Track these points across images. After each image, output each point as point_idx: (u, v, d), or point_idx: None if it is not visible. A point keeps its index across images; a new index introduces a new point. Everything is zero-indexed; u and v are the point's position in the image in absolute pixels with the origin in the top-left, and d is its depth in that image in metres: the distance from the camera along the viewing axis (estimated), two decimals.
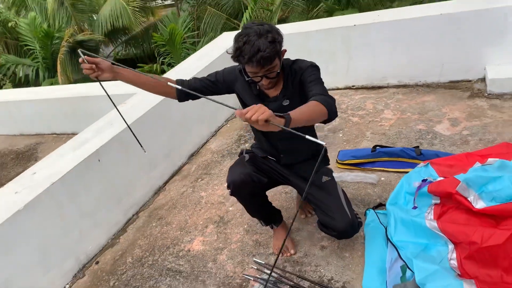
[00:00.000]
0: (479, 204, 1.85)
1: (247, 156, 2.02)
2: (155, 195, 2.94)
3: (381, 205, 2.25)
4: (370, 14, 3.66)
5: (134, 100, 3.12)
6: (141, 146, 1.90)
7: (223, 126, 3.66)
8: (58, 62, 12.41)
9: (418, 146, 2.57)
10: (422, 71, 3.43)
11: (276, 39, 1.66)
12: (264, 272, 2.06)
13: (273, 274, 2.01)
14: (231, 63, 1.80)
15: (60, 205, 2.32)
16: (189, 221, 2.59)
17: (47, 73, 13.57)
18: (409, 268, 1.82)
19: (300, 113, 1.41)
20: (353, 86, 3.70)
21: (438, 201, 2.01)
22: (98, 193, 2.53)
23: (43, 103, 4.96)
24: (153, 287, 2.16)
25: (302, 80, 1.78)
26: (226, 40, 4.11)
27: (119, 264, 2.39)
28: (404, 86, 3.52)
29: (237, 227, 2.43)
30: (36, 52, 13.86)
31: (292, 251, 2.14)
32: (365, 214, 2.23)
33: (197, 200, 2.76)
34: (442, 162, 2.22)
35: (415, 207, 2.07)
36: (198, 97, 1.69)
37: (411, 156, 2.49)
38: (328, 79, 3.53)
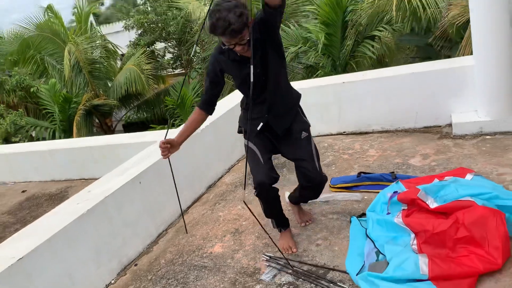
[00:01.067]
0: (433, 205, 2.48)
1: (256, 150, 2.54)
2: (180, 216, 3.54)
3: (363, 215, 2.86)
4: (356, 74, 4.47)
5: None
6: (174, 183, 2.57)
7: (235, 165, 4.33)
8: (75, 124, 13.34)
9: (393, 172, 3.22)
10: (401, 119, 4.16)
11: (244, 13, 2.03)
12: (273, 263, 2.64)
13: (279, 262, 2.59)
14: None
15: (109, 215, 2.94)
16: (210, 233, 3.18)
17: (63, 135, 14.43)
18: (381, 253, 2.40)
19: None
20: (344, 132, 4.42)
21: (406, 207, 2.63)
22: (138, 208, 3.16)
23: (75, 151, 5.64)
24: (183, 278, 2.72)
25: (262, 23, 2.17)
26: (233, 99, 4.89)
27: (154, 265, 2.96)
28: (386, 131, 4.23)
29: (249, 235, 3.02)
30: (55, 115, 14.76)
31: (294, 249, 2.71)
32: (350, 221, 2.83)
33: (215, 218, 3.37)
34: (409, 180, 2.88)
35: (388, 213, 2.68)
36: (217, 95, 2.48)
37: (388, 180, 3.13)
38: (323, 127, 4.27)
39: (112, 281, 2.89)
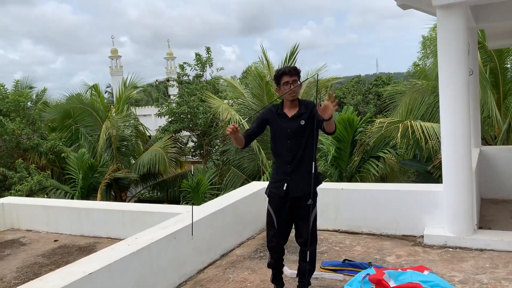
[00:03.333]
0: (393, 284, 3.37)
1: (274, 216, 3.50)
2: (199, 272, 4.40)
3: None
4: (352, 184, 5.54)
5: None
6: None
7: (245, 241, 5.24)
8: (99, 191, 14.34)
9: (370, 262, 4.11)
10: (385, 226, 5.12)
11: (299, 71, 3.38)
12: None
13: None
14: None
15: (150, 258, 3.85)
16: None
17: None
18: None
19: (331, 123, 3.11)
20: (338, 229, 5.37)
21: (374, 286, 3.51)
22: (169, 258, 4.05)
23: (108, 212, 6.59)
24: None
25: (313, 113, 3.29)
26: (251, 189, 5.94)
27: None
28: (373, 234, 5.17)
29: None
30: (77, 181, 15.82)
31: None
32: None
33: (226, 278, 4.23)
34: (379, 269, 3.78)
35: None
36: (254, 138, 3.51)
37: (365, 267, 4.01)
38: (322, 222, 5.25)
39: None
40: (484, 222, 5.44)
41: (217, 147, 19.21)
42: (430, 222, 4.88)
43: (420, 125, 10.97)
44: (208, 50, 17.77)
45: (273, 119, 3.49)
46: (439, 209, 4.78)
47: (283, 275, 3.79)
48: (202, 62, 17.68)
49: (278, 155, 3.52)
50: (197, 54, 17.70)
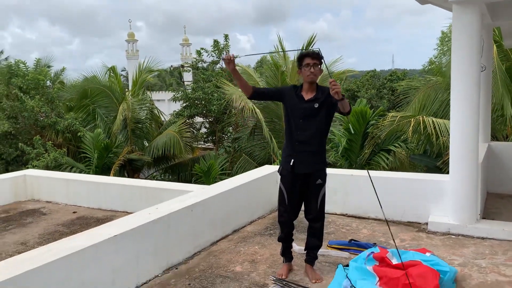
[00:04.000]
0: (395, 262, 3.59)
1: (285, 192, 3.75)
2: (212, 245, 4.67)
3: (347, 265, 3.93)
4: (362, 171, 5.75)
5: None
6: None
7: (256, 220, 5.49)
8: (113, 171, 14.72)
9: (375, 243, 4.34)
10: (391, 212, 5.32)
11: (322, 57, 3.54)
12: (278, 282, 3.72)
13: (283, 283, 3.68)
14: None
15: (168, 226, 4.12)
16: (232, 259, 4.29)
17: None
18: (353, 286, 3.48)
19: (346, 102, 3.32)
20: (346, 213, 5.59)
21: (378, 263, 3.74)
22: (186, 229, 4.32)
23: (126, 188, 6.89)
24: (212, 281, 3.80)
25: (329, 98, 3.40)
26: (264, 170, 6.17)
27: (190, 271, 4.05)
28: (379, 220, 5.38)
29: (262, 264, 4.12)
30: (92, 160, 16.20)
31: (283, 277, 3.78)
32: (337, 267, 3.91)
33: (237, 251, 4.49)
34: (384, 248, 4.00)
35: (365, 264, 3.78)
36: (263, 98, 3.66)
37: (369, 247, 4.24)
38: (330, 206, 5.46)
39: (159, 274, 3.98)
40: (488, 214, 5.62)
41: (229, 134, 19.47)
42: (435, 210, 5.07)
43: (432, 121, 11.06)
44: (226, 37, 17.97)
45: (290, 97, 3.70)
46: (445, 198, 4.97)
47: (292, 250, 4.04)
48: (219, 49, 17.89)
49: (289, 133, 3.75)
50: (215, 41, 17.90)
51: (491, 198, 6.40)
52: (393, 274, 3.43)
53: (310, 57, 3.57)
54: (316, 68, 3.58)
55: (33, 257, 3.13)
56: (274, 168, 6.08)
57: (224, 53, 18.23)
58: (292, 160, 3.69)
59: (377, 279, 3.50)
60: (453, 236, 4.76)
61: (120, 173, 16.91)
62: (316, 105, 3.61)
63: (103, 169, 16.17)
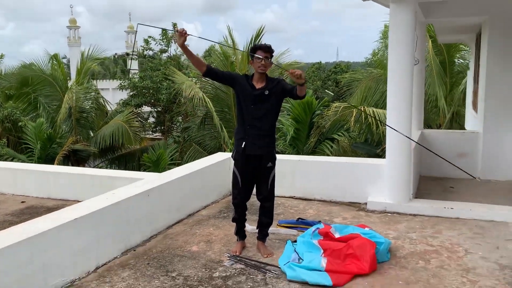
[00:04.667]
0: (337, 235, 4.00)
1: (238, 175, 4.04)
2: (168, 228, 4.87)
3: (295, 241, 4.29)
4: (309, 156, 6.15)
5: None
6: None
7: (210, 204, 5.75)
8: (56, 162, 14.31)
9: (320, 221, 4.74)
10: (334, 194, 5.78)
11: (273, 51, 3.89)
12: (232, 258, 4.01)
13: (237, 258, 3.97)
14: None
15: (127, 210, 4.27)
16: (189, 240, 4.53)
17: None
18: (301, 258, 3.84)
19: (304, 88, 3.63)
20: (294, 196, 5.98)
21: (322, 237, 4.13)
22: (143, 213, 4.50)
23: (77, 176, 6.89)
24: (170, 260, 4.03)
25: (281, 86, 3.85)
26: (217, 158, 6.42)
27: (148, 252, 4.24)
28: (324, 201, 5.82)
29: (217, 244, 4.40)
30: (34, 151, 15.63)
31: (237, 253, 4.08)
32: (286, 243, 4.26)
33: (193, 233, 4.73)
34: (327, 225, 4.41)
35: (311, 239, 4.16)
36: (215, 78, 3.96)
37: (315, 224, 4.63)
38: (279, 190, 5.79)
39: (118, 256, 4.14)
40: (420, 194, 6.22)
41: (178, 123, 19.45)
42: (373, 191, 5.57)
43: (373, 111, 11.75)
44: (174, 26, 17.83)
45: (242, 84, 3.98)
46: (382, 181, 5.48)
47: (245, 229, 4.35)
48: (168, 38, 17.75)
49: (241, 118, 4.04)
50: (163, 30, 17.73)
51: (423, 181, 7.06)
52: (336, 246, 3.83)
53: (262, 50, 3.86)
54: (267, 61, 3.88)
55: None
56: (227, 155, 6.35)
57: (173, 40, 18.14)
58: (244, 142, 3.98)
59: (322, 251, 3.88)
60: (389, 214, 5.27)
61: (64, 164, 16.43)
62: (267, 92, 3.91)
63: (46, 160, 15.64)
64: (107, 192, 4.51)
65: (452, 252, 4.15)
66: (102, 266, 3.96)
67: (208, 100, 13.83)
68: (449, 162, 5.24)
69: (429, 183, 6.91)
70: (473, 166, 7.06)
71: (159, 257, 4.13)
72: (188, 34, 3.79)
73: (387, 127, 5.27)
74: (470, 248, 4.22)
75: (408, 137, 5.05)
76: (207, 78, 4.21)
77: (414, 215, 5.24)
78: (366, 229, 4.33)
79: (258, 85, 3.95)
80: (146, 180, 5.08)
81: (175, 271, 3.84)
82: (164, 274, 3.77)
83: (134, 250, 4.31)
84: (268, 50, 3.88)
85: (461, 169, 5.40)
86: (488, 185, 6.72)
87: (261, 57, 3.84)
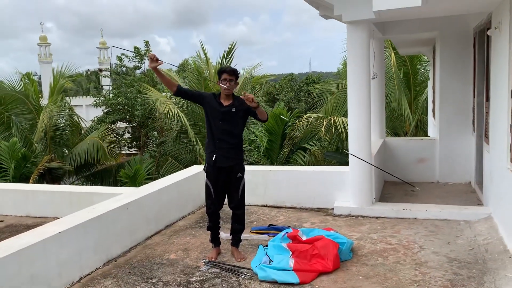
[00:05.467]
0: (304, 238, 4.37)
1: (210, 186, 4.38)
2: (147, 239, 5.15)
3: (266, 245, 4.65)
4: (278, 166, 6.53)
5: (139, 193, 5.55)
6: None
7: (187, 215, 6.05)
8: (31, 182, 14.27)
9: (290, 226, 5.11)
10: (304, 201, 6.17)
11: (238, 73, 4.26)
12: (208, 263, 4.33)
13: (213, 264, 4.29)
14: None
15: (107, 224, 4.54)
16: (167, 249, 4.82)
17: None
18: (271, 260, 4.19)
19: (262, 110, 4.00)
20: (266, 204, 6.35)
21: (291, 241, 4.49)
22: (123, 225, 4.77)
23: (55, 194, 7.06)
24: (150, 268, 4.31)
25: (247, 107, 4.11)
26: (192, 170, 6.73)
27: (128, 262, 4.52)
28: (294, 208, 6.20)
29: (194, 251, 4.71)
30: (8, 171, 15.53)
31: (213, 259, 4.41)
32: (258, 247, 4.61)
33: (171, 242, 5.02)
34: (296, 229, 4.78)
35: (281, 242, 4.52)
36: (185, 97, 4.34)
37: (285, 231, 5.00)
38: (252, 198, 6.15)
39: (100, 267, 4.40)
40: (384, 198, 6.68)
41: (154, 138, 19.60)
42: (339, 197, 5.99)
43: (342, 121, 12.26)
44: (146, 43, 18.13)
45: (211, 102, 4.34)
46: (346, 186, 5.90)
47: (220, 237, 4.67)
48: (141, 55, 18.00)
49: (210, 133, 4.39)
50: (135, 47, 17.99)
51: (387, 186, 7.54)
52: (303, 248, 4.20)
53: (227, 73, 4.25)
54: (231, 83, 4.26)
55: None
56: (201, 168, 6.66)
57: (147, 57, 18.39)
58: (214, 155, 4.33)
59: (290, 253, 4.24)
60: (353, 217, 5.69)
61: (39, 183, 16.35)
62: (234, 110, 4.29)
63: (21, 179, 15.55)
64: (88, 207, 4.76)
65: (408, 249, 4.57)
66: (85, 276, 4.21)
67: (183, 115, 14.12)
68: (390, 174, 5.70)
69: (391, 187, 7.39)
70: (432, 170, 7.61)
71: (140, 265, 4.41)
72: (160, 62, 4.13)
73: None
74: (424, 245, 4.66)
75: (361, 159, 5.50)
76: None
77: (377, 217, 5.67)
78: (331, 231, 4.72)
79: (225, 103, 4.32)
80: (125, 194, 5.36)
81: (155, 277, 4.13)
82: (144, 281, 4.06)
83: (115, 261, 4.57)
84: (233, 73, 4.27)
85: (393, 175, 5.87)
86: (445, 187, 7.25)
87: (224, 86, 4.23)
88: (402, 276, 3.94)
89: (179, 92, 4.36)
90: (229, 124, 4.30)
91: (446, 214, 5.44)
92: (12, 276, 3.47)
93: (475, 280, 3.78)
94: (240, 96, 3.97)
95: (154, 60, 4.11)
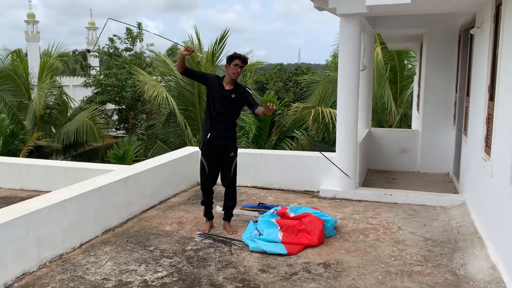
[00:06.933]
0: (292, 215, 4.71)
1: (205, 163, 4.67)
2: (143, 213, 5.42)
3: (256, 221, 4.97)
4: (269, 150, 6.83)
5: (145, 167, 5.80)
6: None
7: (180, 193, 6.33)
8: (21, 157, 14.32)
9: (278, 205, 5.44)
10: (291, 183, 6.50)
11: (247, 63, 4.61)
12: (202, 235, 4.63)
13: (203, 235, 4.60)
14: None
15: (108, 195, 4.80)
16: (162, 222, 5.10)
17: None
18: (261, 233, 4.51)
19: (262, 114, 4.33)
20: (256, 185, 6.66)
21: (279, 217, 4.82)
22: (121, 198, 5.03)
23: (50, 168, 7.24)
24: (146, 238, 4.60)
25: (245, 96, 4.49)
26: (186, 150, 7.00)
27: (126, 232, 4.79)
28: (282, 189, 6.53)
29: (188, 224, 5.00)
30: None
31: (206, 231, 4.71)
32: (248, 223, 4.93)
33: (165, 216, 5.30)
34: (284, 207, 5.11)
35: (270, 218, 4.84)
36: (191, 77, 4.68)
37: (274, 208, 5.32)
38: (243, 180, 6.46)
39: (99, 235, 4.67)
40: (367, 184, 7.04)
41: (143, 121, 19.72)
42: (325, 180, 6.34)
43: (330, 112, 12.60)
44: (139, 25, 18.14)
45: (213, 84, 4.61)
46: (332, 171, 6.23)
47: (214, 212, 4.97)
48: (133, 37, 18.03)
49: (208, 112, 4.66)
50: (127, 29, 18.00)
51: (370, 173, 7.92)
52: (291, 223, 4.54)
53: (240, 60, 4.52)
54: (241, 70, 4.54)
55: None
56: (195, 149, 6.95)
57: (139, 40, 18.41)
58: (209, 134, 4.61)
59: (279, 227, 4.56)
60: (338, 200, 6.05)
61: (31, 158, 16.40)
62: (233, 96, 4.56)
63: (8, 155, 15.60)
64: (88, 179, 5.01)
65: (387, 229, 4.94)
66: (85, 243, 4.48)
67: (172, 99, 14.27)
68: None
69: (374, 174, 7.78)
70: (414, 160, 8.01)
71: (137, 235, 4.69)
72: (195, 53, 4.56)
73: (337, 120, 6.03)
74: (402, 226, 5.04)
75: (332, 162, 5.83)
76: (184, 76, 4.91)
77: (359, 200, 6.04)
78: (317, 210, 5.06)
79: (227, 87, 4.59)
80: (122, 170, 5.60)
81: (152, 246, 4.42)
82: (142, 248, 4.34)
83: (113, 231, 4.84)
84: (245, 61, 4.58)
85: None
86: (424, 176, 7.66)
87: (234, 70, 4.50)
88: (381, 251, 4.30)
89: (187, 72, 4.64)
90: (226, 108, 4.58)
91: (424, 199, 5.83)
92: (21, 237, 3.72)
93: (446, 257, 4.16)
94: (264, 104, 4.27)
95: (190, 51, 4.44)
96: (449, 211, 5.53)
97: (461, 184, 6.26)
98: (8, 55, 18.39)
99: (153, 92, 14.58)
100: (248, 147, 13.77)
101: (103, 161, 17.74)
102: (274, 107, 4.25)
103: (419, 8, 5.94)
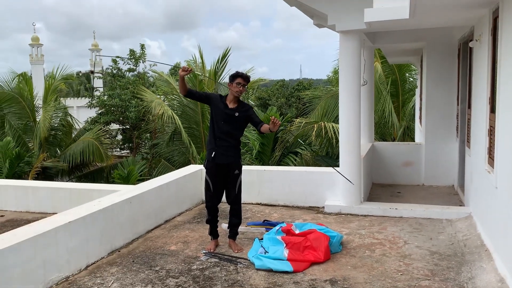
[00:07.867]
0: (297, 231, 4.70)
1: (210, 182, 4.68)
2: (148, 232, 5.42)
3: (261, 238, 4.96)
4: (272, 167, 6.85)
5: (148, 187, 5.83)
6: None
7: (184, 212, 6.33)
8: (30, 179, 14.43)
9: (283, 221, 5.43)
10: (296, 199, 6.50)
11: (249, 81, 4.62)
12: (207, 254, 4.62)
13: (211, 254, 4.59)
14: None
15: (111, 216, 4.81)
16: (167, 241, 5.10)
17: None
18: (266, 251, 4.50)
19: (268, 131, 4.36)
20: (260, 202, 6.66)
21: (285, 234, 4.81)
22: (126, 218, 5.04)
23: (55, 190, 7.29)
24: (152, 258, 4.59)
25: (249, 115, 4.59)
26: (190, 169, 7.03)
27: (132, 252, 4.79)
28: (287, 206, 6.52)
29: (193, 243, 5.00)
30: (2, 169, 15.66)
31: (211, 250, 4.71)
32: (254, 240, 4.92)
33: (171, 235, 5.30)
34: (289, 224, 5.10)
35: (276, 235, 4.83)
36: (194, 98, 4.74)
37: (280, 225, 5.31)
38: (247, 197, 6.46)
39: (105, 256, 4.67)
40: (372, 198, 7.03)
41: (147, 140, 19.82)
42: (330, 196, 6.33)
43: (332, 126, 12.65)
44: (142, 47, 18.41)
45: (217, 103, 4.67)
46: (337, 186, 6.24)
47: (219, 230, 4.97)
48: (136, 58, 18.26)
49: (212, 131, 4.70)
50: (131, 50, 18.26)
51: (375, 187, 7.90)
52: (296, 240, 4.53)
53: (243, 78, 4.59)
54: (243, 88, 4.61)
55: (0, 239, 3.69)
56: (199, 167, 6.97)
57: (142, 61, 18.64)
58: (214, 152, 4.65)
59: (285, 244, 4.56)
60: (343, 215, 6.03)
61: (38, 179, 16.49)
62: (237, 114, 4.61)
63: (14, 178, 15.69)
64: (93, 200, 5.03)
65: (393, 243, 4.92)
66: (91, 264, 4.48)
67: (177, 117, 14.39)
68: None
69: (379, 189, 7.76)
70: (418, 173, 8.00)
71: (142, 255, 4.69)
72: (194, 71, 4.58)
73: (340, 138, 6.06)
74: (408, 240, 5.01)
75: (343, 175, 5.85)
76: (187, 98, 4.99)
77: (365, 215, 6.02)
78: (323, 226, 5.05)
79: (231, 105, 4.64)
80: (127, 190, 5.63)
81: (157, 266, 4.41)
82: (148, 269, 4.34)
83: (119, 251, 4.84)
84: (247, 79, 4.64)
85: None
86: (429, 189, 7.64)
87: (237, 89, 4.57)
88: (388, 266, 4.27)
89: (190, 94, 4.70)
90: (230, 126, 4.63)
91: (429, 213, 5.81)
92: (28, 260, 3.73)
93: (453, 270, 4.13)
94: (271, 117, 4.33)
95: (188, 71, 4.51)
96: (455, 224, 5.50)
97: (467, 197, 6.23)
98: (14, 78, 18.66)
99: (160, 110, 14.74)
100: (252, 164, 13.78)
101: (108, 181, 17.84)
102: (278, 122, 4.29)
103: (417, 22, 6.01)
